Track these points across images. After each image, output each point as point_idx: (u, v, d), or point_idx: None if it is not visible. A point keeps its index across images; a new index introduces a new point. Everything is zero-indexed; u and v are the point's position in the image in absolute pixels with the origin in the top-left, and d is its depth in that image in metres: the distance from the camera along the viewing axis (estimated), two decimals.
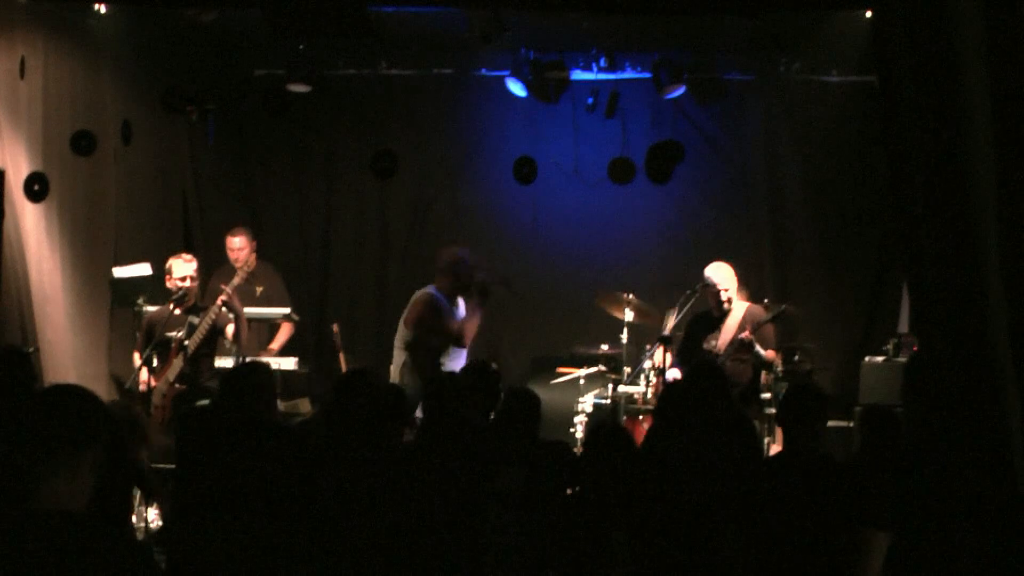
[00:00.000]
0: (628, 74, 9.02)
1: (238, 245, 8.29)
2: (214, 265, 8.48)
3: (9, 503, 2.35)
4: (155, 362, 6.99)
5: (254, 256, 7.65)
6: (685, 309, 7.43)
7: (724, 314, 7.43)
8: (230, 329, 7.07)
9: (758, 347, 7.22)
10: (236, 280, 7.15)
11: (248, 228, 8.47)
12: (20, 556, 2.28)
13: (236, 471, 4.33)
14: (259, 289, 8.12)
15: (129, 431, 4.53)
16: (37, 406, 2.41)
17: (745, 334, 7.18)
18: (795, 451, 4.37)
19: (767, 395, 7.48)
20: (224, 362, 7.18)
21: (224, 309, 6.98)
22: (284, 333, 8.27)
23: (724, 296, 7.37)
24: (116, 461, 3.82)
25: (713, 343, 7.42)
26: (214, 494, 4.30)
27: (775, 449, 7.45)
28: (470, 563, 4.56)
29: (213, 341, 7.12)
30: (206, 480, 4.38)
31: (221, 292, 7.00)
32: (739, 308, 7.48)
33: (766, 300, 7.93)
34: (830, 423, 8.17)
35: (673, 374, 7.33)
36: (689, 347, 7.47)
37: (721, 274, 7.45)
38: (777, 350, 7.55)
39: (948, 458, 4.00)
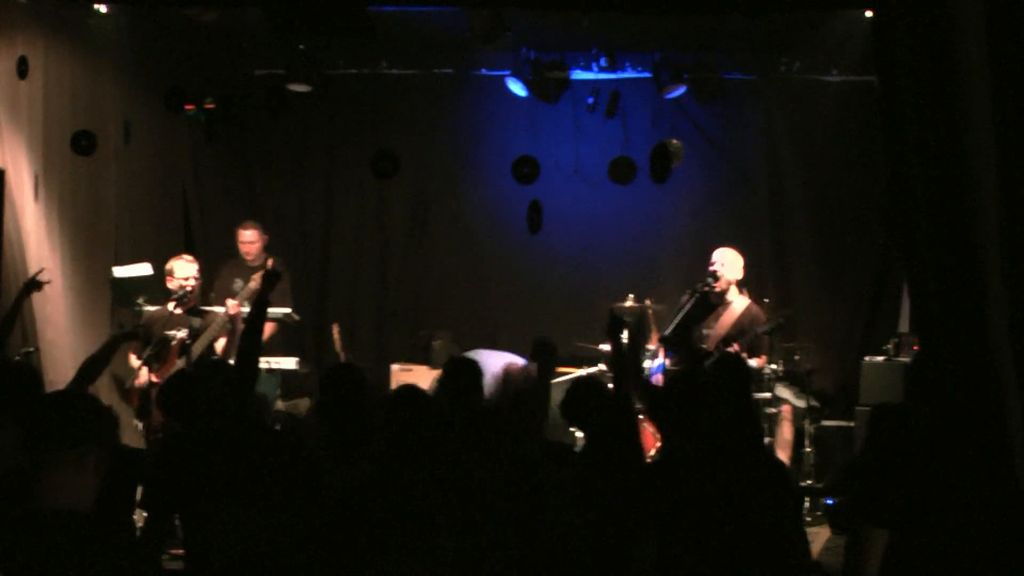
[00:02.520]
0: (629, 74, 9.02)
1: (249, 238, 8.28)
2: (214, 265, 8.47)
3: (15, 502, 2.35)
4: (154, 362, 6.98)
5: (271, 261, 7.53)
6: (686, 309, 7.42)
7: (720, 297, 7.43)
8: (220, 344, 7.09)
9: (745, 357, 7.21)
10: (252, 285, 7.19)
11: (259, 222, 8.47)
12: (26, 555, 2.28)
13: (235, 467, 4.34)
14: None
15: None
16: (41, 407, 2.42)
17: (734, 348, 7.19)
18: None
19: (766, 394, 7.47)
20: None
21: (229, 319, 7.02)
22: (265, 329, 8.21)
23: (717, 271, 7.42)
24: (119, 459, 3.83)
25: (706, 332, 7.43)
26: (216, 489, 4.31)
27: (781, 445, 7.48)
28: (470, 561, 4.55)
29: (214, 347, 7.12)
30: (207, 476, 4.38)
31: (232, 293, 6.96)
32: (740, 304, 7.47)
33: (766, 300, 7.92)
34: (830, 422, 8.23)
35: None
36: (683, 326, 7.46)
37: (722, 253, 7.55)
38: (770, 354, 7.55)
39: (949, 457, 4.00)
